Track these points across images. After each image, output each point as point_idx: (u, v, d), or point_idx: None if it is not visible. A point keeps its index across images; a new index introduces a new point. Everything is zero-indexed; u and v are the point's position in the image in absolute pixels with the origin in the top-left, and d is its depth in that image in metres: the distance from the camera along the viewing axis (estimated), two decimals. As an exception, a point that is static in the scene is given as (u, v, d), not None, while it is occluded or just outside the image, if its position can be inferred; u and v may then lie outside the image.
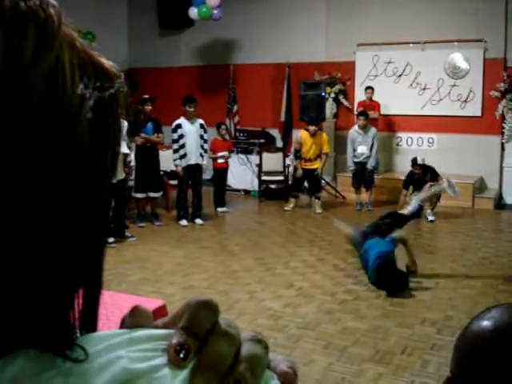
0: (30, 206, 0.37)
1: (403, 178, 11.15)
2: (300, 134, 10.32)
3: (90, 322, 0.44)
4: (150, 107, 8.76)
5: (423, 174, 9.19)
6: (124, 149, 7.74)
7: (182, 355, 0.39)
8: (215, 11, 11.81)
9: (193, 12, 11.89)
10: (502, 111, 10.76)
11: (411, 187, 9.22)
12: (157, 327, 0.43)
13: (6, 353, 0.38)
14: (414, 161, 9.38)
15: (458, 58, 11.34)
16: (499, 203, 10.69)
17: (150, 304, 3.78)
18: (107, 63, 0.45)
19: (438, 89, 11.54)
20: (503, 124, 10.78)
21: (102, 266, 0.45)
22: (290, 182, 11.00)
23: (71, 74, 0.40)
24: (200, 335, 0.40)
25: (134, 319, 0.43)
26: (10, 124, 0.36)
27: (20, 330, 0.39)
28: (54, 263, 0.39)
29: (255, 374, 0.41)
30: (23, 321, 0.39)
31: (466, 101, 11.29)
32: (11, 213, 0.37)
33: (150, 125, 8.72)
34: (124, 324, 0.43)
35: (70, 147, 0.39)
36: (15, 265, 0.37)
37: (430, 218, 9.21)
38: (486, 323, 1.01)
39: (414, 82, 11.73)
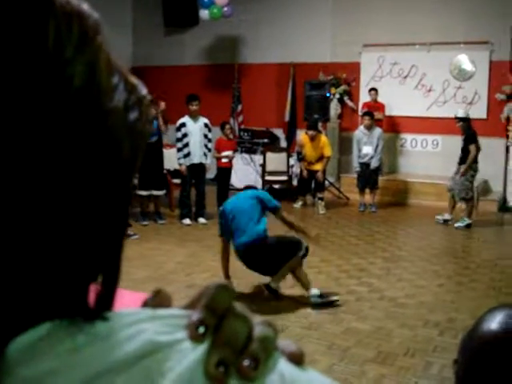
0: (66, 195, 0.41)
1: (407, 179, 11.20)
2: (301, 137, 10.39)
3: (107, 305, 0.47)
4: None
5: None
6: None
7: (200, 331, 0.42)
8: (225, 9, 11.83)
9: (204, 13, 11.90)
10: (508, 114, 10.74)
11: None
12: None
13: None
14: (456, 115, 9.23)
15: (464, 60, 11.32)
16: (503, 206, 10.67)
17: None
18: (133, 77, 0.49)
19: (444, 91, 11.53)
20: (508, 127, 10.76)
21: (121, 253, 0.48)
22: (294, 183, 11.00)
23: (106, 69, 0.45)
24: (218, 314, 0.44)
25: (156, 301, 0.47)
26: (52, 107, 0.40)
27: (42, 307, 0.42)
28: (77, 249, 0.43)
29: (267, 353, 0.44)
30: (46, 299, 0.42)
31: (471, 103, 11.28)
32: (47, 201, 0.40)
33: (154, 123, 8.68)
34: (146, 305, 0.47)
35: (103, 137, 0.43)
36: (42, 249, 0.41)
37: (458, 224, 8.90)
38: (493, 327, 0.99)
39: (419, 83, 11.72)
